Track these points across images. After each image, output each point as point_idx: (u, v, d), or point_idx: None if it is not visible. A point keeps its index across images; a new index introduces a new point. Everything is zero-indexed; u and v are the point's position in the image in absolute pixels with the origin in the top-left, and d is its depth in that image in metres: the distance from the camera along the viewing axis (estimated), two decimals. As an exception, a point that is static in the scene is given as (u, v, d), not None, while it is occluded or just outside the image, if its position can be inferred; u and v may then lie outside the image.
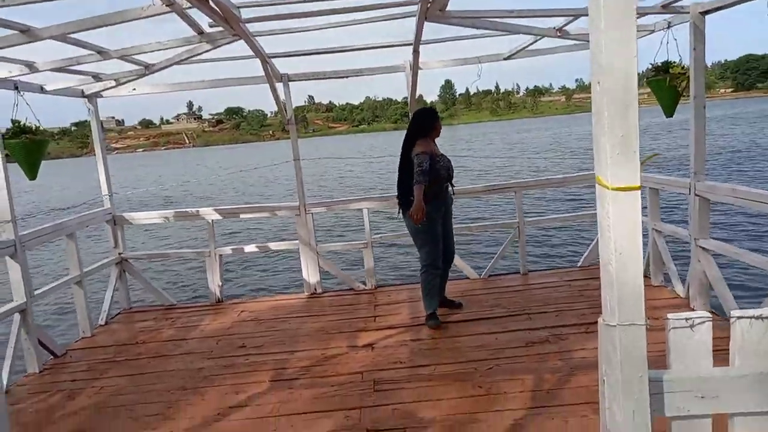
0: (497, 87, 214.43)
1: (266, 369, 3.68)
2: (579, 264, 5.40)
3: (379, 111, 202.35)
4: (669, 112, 4.11)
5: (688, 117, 4.06)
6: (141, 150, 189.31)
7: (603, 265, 1.39)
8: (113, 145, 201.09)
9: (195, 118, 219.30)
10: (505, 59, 5.19)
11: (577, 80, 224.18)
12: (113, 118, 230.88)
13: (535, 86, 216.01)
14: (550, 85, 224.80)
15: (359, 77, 5.33)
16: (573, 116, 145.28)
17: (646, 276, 4.79)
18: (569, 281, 4.96)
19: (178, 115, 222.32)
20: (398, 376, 3.39)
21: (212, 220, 5.31)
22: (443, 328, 4.16)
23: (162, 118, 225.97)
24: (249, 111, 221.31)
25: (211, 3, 2.97)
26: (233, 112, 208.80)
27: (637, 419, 1.38)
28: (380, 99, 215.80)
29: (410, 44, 4.58)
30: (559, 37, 4.45)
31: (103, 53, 3.74)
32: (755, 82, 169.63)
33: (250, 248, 5.42)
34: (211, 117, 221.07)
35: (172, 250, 5.62)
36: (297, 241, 5.33)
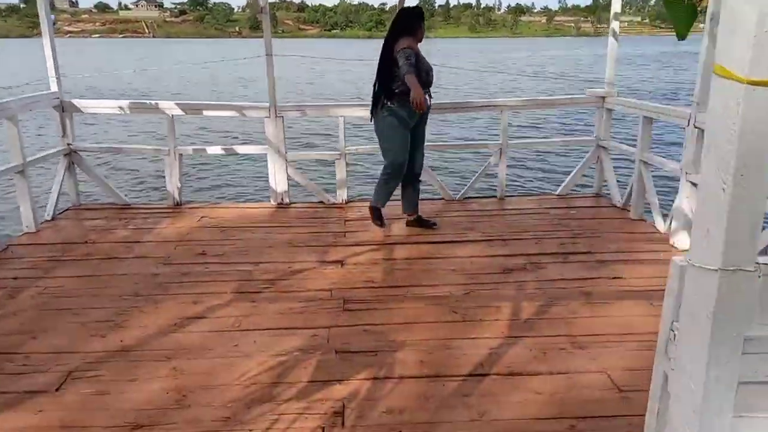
0: (478, 1, 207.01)
1: (228, 280, 3.44)
2: (557, 192, 5.23)
3: (353, 16, 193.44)
4: (683, 32, 3.79)
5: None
6: (96, 36, 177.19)
7: (705, 185, 1.08)
8: (66, 28, 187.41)
9: (156, 6, 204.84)
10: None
11: (560, 1, 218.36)
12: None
13: (517, 3, 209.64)
14: (532, 3, 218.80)
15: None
16: (552, 39, 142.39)
17: (625, 208, 4.68)
18: (548, 209, 4.81)
19: (138, 1, 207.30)
20: (369, 296, 3.21)
21: (173, 115, 4.83)
22: (412, 245, 3.98)
23: (120, 3, 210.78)
24: (215, 3, 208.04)
25: None
26: (198, 3, 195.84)
27: (720, 386, 1.12)
28: (355, 2, 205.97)
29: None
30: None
31: None
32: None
33: (213, 149, 5.01)
34: (173, 6, 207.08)
35: (128, 145, 5.14)
36: (265, 146, 4.94)
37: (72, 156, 4.83)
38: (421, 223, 4.37)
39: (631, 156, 4.59)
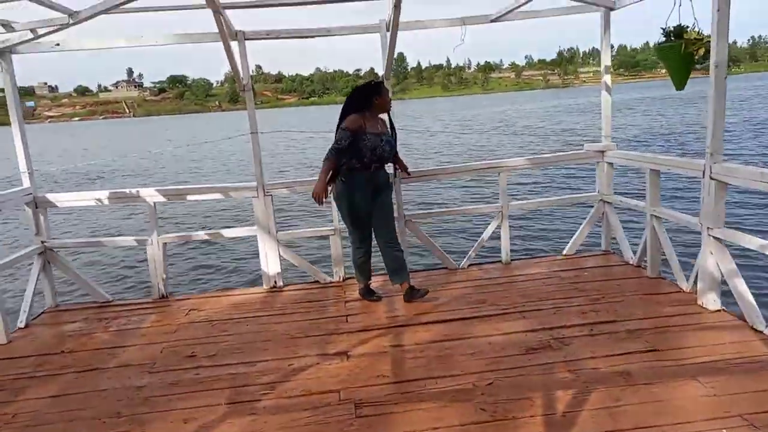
0: (448, 62, 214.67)
1: (222, 387, 3.05)
2: (564, 252, 4.98)
3: (330, 83, 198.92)
4: (681, 83, 3.66)
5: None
6: (77, 119, 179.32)
7: None
8: (46, 113, 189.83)
9: (135, 86, 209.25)
10: (492, 21, 4.62)
11: (526, 57, 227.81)
12: (45, 83, 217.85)
13: (486, 62, 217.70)
14: (501, 60, 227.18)
15: (315, 41, 4.65)
16: (522, 93, 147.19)
17: (640, 266, 4.42)
18: (557, 272, 4.53)
19: (118, 82, 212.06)
20: (383, 396, 2.85)
21: (154, 203, 4.55)
22: (421, 326, 3.65)
23: (100, 86, 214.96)
24: (193, 80, 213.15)
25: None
26: (177, 81, 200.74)
27: None
28: (331, 71, 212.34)
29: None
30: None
31: (5, -7, 2.92)
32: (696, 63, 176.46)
33: (199, 235, 4.69)
34: (152, 85, 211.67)
35: (107, 238, 4.81)
36: (255, 227, 4.66)
37: (47, 254, 4.49)
38: (412, 294, 4.09)
39: (639, 210, 4.38)
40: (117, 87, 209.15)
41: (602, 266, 4.59)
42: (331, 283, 4.72)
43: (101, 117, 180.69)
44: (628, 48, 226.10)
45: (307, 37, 4.53)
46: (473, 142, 23.97)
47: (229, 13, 4.15)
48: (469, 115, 51.56)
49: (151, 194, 4.55)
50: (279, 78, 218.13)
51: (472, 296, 4.14)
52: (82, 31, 4.23)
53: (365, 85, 4.09)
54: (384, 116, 4.14)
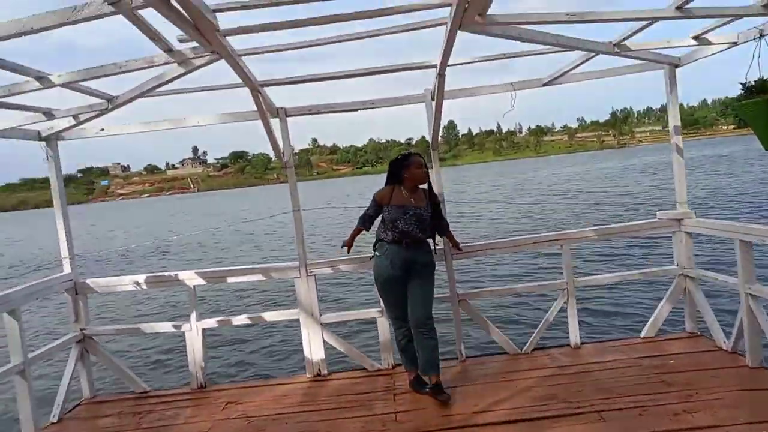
0: (499, 127, 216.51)
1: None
2: (642, 335, 4.39)
3: (383, 153, 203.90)
4: (768, 140, 3.21)
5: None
6: (146, 195, 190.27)
7: None
8: (118, 191, 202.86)
9: (200, 163, 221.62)
10: (544, 85, 4.33)
11: (578, 119, 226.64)
12: (119, 164, 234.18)
13: (537, 126, 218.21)
14: (552, 124, 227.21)
15: (369, 112, 4.49)
16: (575, 155, 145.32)
17: (736, 352, 3.79)
18: (637, 359, 3.95)
19: (183, 160, 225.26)
20: None
21: (194, 286, 4.36)
22: (480, 428, 3.15)
23: (167, 164, 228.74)
24: (254, 155, 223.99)
25: (173, 1, 2.12)
26: (238, 156, 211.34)
27: None
28: (383, 141, 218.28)
29: (432, 66, 3.74)
30: (616, 54, 3.59)
31: (42, 79, 2.88)
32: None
33: (239, 319, 4.43)
34: (216, 161, 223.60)
35: (145, 324, 4.63)
36: (297, 310, 4.36)
37: (85, 342, 4.33)
38: (436, 391, 3.65)
39: (730, 288, 3.81)
40: (183, 164, 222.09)
41: (690, 352, 3.97)
42: (379, 370, 4.30)
43: (168, 192, 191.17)
44: (686, 105, 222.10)
45: (350, 110, 4.37)
46: (528, 211, 22.56)
47: (271, 90, 4.06)
48: (521, 178, 50.84)
49: (190, 277, 4.36)
50: (334, 150, 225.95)
51: (538, 390, 3.62)
52: (128, 113, 4.27)
53: (396, 158, 3.93)
54: (425, 186, 3.87)
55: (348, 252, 4.07)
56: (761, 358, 3.57)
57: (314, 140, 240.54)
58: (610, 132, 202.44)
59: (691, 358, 3.86)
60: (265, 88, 3.90)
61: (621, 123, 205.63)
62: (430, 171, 3.91)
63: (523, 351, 4.35)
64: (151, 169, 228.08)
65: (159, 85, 3.12)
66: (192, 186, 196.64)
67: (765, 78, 3.22)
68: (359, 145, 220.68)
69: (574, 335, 4.33)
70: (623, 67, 4.32)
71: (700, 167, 37.56)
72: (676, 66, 4.11)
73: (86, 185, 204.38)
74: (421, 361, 3.73)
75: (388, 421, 3.42)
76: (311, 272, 4.34)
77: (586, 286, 4.57)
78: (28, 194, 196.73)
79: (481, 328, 4.44)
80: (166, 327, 4.48)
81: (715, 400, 3.18)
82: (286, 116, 4.28)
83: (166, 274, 4.45)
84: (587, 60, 3.97)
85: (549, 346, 4.49)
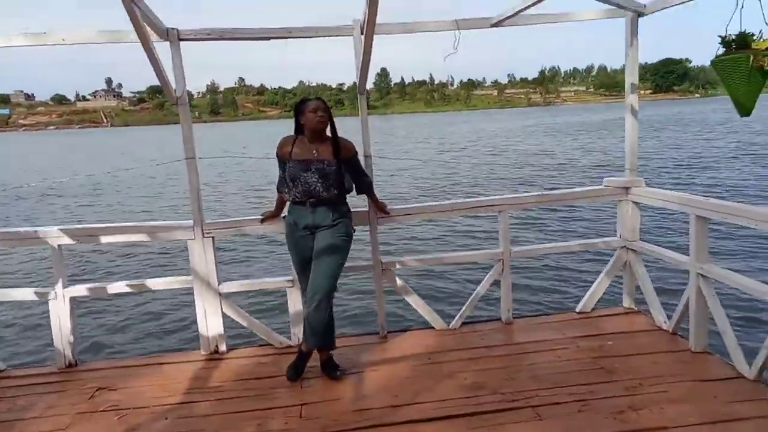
0: (431, 78, 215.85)
1: None
2: (578, 309, 4.06)
3: (312, 96, 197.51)
4: (747, 105, 2.78)
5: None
6: (52, 127, 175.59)
7: None
8: (21, 121, 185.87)
9: (114, 96, 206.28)
10: (493, 26, 3.72)
11: (509, 75, 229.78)
12: (22, 91, 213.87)
13: (469, 79, 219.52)
14: (483, 79, 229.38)
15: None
16: (505, 110, 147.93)
17: (677, 333, 3.52)
18: (573, 338, 3.60)
19: (96, 91, 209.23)
20: None
21: (59, 245, 3.53)
22: (398, 427, 2.68)
23: (78, 94, 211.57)
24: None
25: None
26: (156, 91, 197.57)
27: None
28: (314, 84, 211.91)
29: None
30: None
31: None
32: (672, 85, 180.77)
33: (116, 287, 3.66)
34: (132, 95, 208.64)
35: (-1, 289, 3.74)
36: (190, 277, 3.66)
37: None
38: (328, 368, 3.32)
39: (674, 265, 3.49)
40: (95, 96, 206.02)
41: (629, 332, 3.67)
42: (288, 348, 3.72)
43: (78, 126, 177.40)
44: (608, 69, 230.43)
45: (259, 38, 3.57)
46: (458, 168, 21.12)
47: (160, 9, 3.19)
48: (450, 131, 50.79)
49: (55, 235, 3.52)
50: (261, 90, 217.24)
51: (467, 376, 3.18)
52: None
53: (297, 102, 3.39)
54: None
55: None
56: (705, 343, 3.30)
57: (241, 79, 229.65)
58: (538, 89, 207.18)
59: (629, 340, 3.55)
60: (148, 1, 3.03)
61: (548, 81, 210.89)
62: (334, 117, 3.27)
63: (450, 326, 3.91)
64: (59, 99, 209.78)
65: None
66: (105, 120, 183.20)
67: (747, 32, 2.77)
68: (288, 87, 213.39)
69: (507, 309, 3.92)
70: (580, 11, 3.78)
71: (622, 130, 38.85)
72: (640, 15, 3.62)
73: None
74: (307, 331, 3.22)
75: (290, 417, 2.87)
76: (208, 233, 3.62)
77: (522, 257, 4.15)
78: None
79: (406, 301, 3.94)
80: (25, 294, 3.64)
81: (661, 393, 2.85)
82: (179, 40, 3.42)
83: (23, 230, 3.58)
84: (535, 3, 3.39)
85: (478, 321, 4.08)
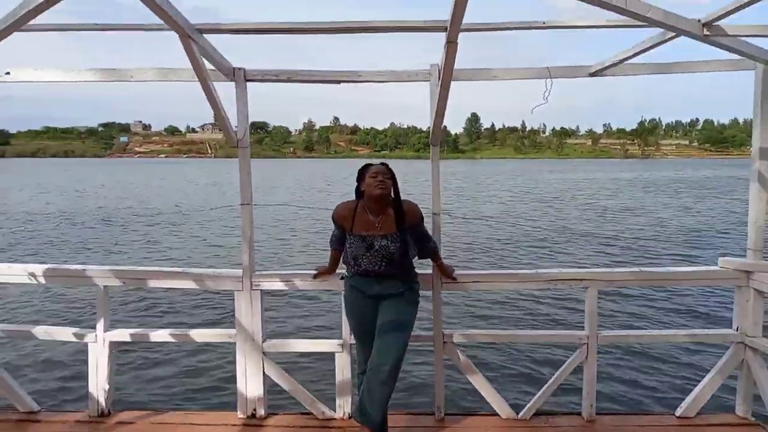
0: (523, 125, 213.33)
1: None
2: (678, 413, 3.34)
3: (403, 138, 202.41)
4: None
5: None
6: (162, 155, 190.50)
7: None
8: (137, 149, 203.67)
9: (220, 129, 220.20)
10: (591, 75, 3.25)
11: (604, 125, 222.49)
12: (140, 122, 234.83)
13: (561, 127, 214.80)
14: (577, 127, 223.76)
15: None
16: (599, 160, 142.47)
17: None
18: (673, 453, 2.92)
19: (204, 124, 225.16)
20: None
21: (105, 287, 3.39)
22: None
23: (188, 126, 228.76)
24: (274, 126, 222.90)
25: None
26: (258, 127, 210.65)
27: None
28: (405, 126, 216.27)
29: (440, 29, 2.69)
30: (705, 38, 2.50)
31: None
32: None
33: (159, 335, 3.45)
34: (236, 129, 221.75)
35: (39, 326, 3.65)
36: (234, 331, 3.38)
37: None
38: None
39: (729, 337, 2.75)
40: (203, 129, 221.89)
41: (745, 451, 2.93)
42: (331, 420, 3.32)
43: (185, 155, 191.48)
44: (715, 123, 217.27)
45: (327, 82, 3.33)
46: (541, 222, 19.13)
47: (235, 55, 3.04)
48: (540, 179, 49.14)
49: (102, 275, 3.38)
50: (354, 130, 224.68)
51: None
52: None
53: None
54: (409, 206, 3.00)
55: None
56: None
57: (336, 118, 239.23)
58: (635, 141, 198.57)
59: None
60: (212, 39, 2.87)
61: (648, 133, 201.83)
62: (397, 181, 2.95)
63: (520, 416, 3.34)
64: (172, 131, 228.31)
65: (27, 17, 2.09)
66: (210, 151, 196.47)
67: None
68: (380, 128, 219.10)
69: (589, 404, 3.30)
70: (698, 62, 3.23)
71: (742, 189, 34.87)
72: (773, 65, 3.01)
73: (105, 140, 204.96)
74: (361, 404, 2.79)
75: None
76: (257, 285, 3.34)
77: (612, 342, 3.50)
78: (49, 143, 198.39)
79: (469, 380, 3.42)
80: (65, 334, 3.51)
81: None
82: (245, 80, 3.25)
83: (70, 267, 3.48)
84: (643, 51, 2.90)
85: (554, 413, 3.47)
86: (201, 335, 3.46)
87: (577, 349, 3.31)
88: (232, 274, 3.38)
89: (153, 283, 3.42)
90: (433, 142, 3.27)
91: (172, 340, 3.47)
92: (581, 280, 3.28)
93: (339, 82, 3.36)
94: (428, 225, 3.12)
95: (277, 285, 3.38)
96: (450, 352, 3.36)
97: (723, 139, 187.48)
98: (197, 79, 2.90)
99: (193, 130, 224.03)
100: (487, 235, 15.45)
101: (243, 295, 3.35)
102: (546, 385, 3.36)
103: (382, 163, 2.99)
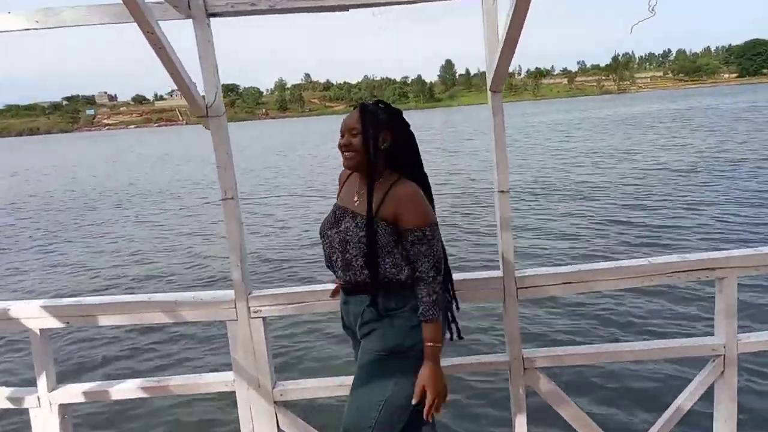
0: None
1: None
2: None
3: (377, 91, 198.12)
4: None
5: None
6: (132, 126, 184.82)
7: None
8: (105, 121, 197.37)
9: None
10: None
11: (579, 63, 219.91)
12: (105, 93, 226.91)
13: (536, 68, 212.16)
14: (552, 66, 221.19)
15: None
16: (576, 99, 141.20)
17: None
18: None
19: (173, 91, 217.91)
20: None
21: (41, 330, 2.38)
22: None
23: (156, 94, 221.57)
24: (245, 88, 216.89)
25: None
26: (228, 89, 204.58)
27: None
28: (378, 78, 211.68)
29: None
30: None
31: None
32: (760, 67, 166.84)
33: (123, 390, 2.47)
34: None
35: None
36: (231, 376, 2.42)
37: None
38: None
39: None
40: (172, 96, 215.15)
41: None
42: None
43: (155, 124, 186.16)
44: (688, 52, 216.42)
45: (333, 9, 2.25)
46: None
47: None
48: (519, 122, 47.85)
49: (35, 314, 2.36)
50: (327, 86, 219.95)
51: None
52: None
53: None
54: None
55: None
56: None
57: (307, 75, 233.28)
58: (611, 77, 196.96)
59: None
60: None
61: (622, 68, 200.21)
62: (382, 135, 1.88)
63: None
64: (140, 100, 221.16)
65: None
66: (181, 118, 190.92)
67: None
68: (353, 82, 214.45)
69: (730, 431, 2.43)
70: None
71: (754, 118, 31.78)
72: None
73: (71, 114, 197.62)
74: None
75: None
76: (257, 311, 2.36)
77: (757, 351, 2.56)
78: (12, 121, 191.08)
79: (557, 412, 2.51)
80: (-5, 400, 2.50)
81: None
82: (207, 14, 2.15)
83: (-10, 307, 2.43)
84: None
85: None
86: (185, 385, 2.48)
87: (708, 362, 2.42)
88: (220, 298, 2.38)
89: (109, 320, 2.41)
90: (494, 87, 2.24)
91: (145, 395, 2.49)
92: (713, 269, 2.34)
93: (347, 8, 2.29)
94: (467, 220, 2.12)
95: (285, 309, 2.39)
96: (532, 380, 2.44)
97: (697, 68, 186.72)
98: (131, 16, 1.81)
99: (162, 98, 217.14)
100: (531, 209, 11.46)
101: (239, 326, 2.37)
102: (665, 415, 2.47)
103: (362, 103, 1.94)
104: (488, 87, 2.23)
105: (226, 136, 2.27)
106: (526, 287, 2.35)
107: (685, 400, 2.43)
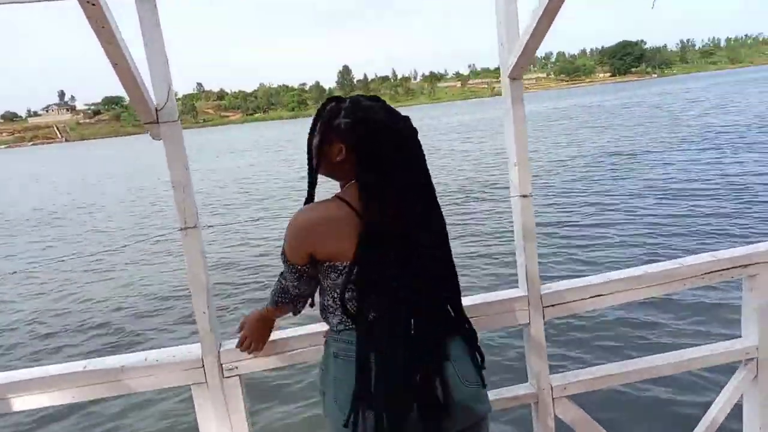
0: (394, 73, 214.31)
1: None
2: None
3: (275, 98, 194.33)
4: None
5: None
6: (4, 146, 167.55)
7: None
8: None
9: (67, 109, 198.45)
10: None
11: (469, 66, 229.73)
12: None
13: (431, 72, 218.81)
14: (445, 70, 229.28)
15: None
16: (469, 101, 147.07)
17: None
18: None
19: (48, 106, 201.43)
20: None
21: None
22: None
23: (29, 110, 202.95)
24: (130, 100, 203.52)
25: None
26: (112, 102, 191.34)
27: None
28: (275, 86, 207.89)
29: None
30: None
31: None
32: (630, 67, 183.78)
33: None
34: (87, 108, 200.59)
35: None
36: (202, 455, 1.87)
37: None
38: None
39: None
40: (48, 111, 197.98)
41: None
42: None
43: (30, 143, 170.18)
44: (566, 54, 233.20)
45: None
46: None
47: None
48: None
49: None
50: (221, 95, 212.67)
51: None
52: None
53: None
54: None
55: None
56: None
57: (199, 84, 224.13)
58: (499, 79, 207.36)
59: None
60: None
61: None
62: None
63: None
64: (10, 117, 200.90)
65: None
66: (59, 136, 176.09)
67: None
68: (249, 90, 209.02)
69: (759, 442, 2.24)
70: None
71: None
72: None
73: None
74: None
75: None
76: (231, 368, 1.84)
77: None
78: None
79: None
80: None
81: None
82: (149, -15, 1.62)
83: None
84: None
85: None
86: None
87: (739, 368, 2.22)
88: (181, 356, 1.83)
89: (27, 402, 1.77)
90: (513, 74, 1.89)
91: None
92: (746, 265, 2.14)
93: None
94: (504, 212, 1.79)
95: (267, 361, 1.89)
96: (563, 411, 2.11)
97: (576, 68, 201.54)
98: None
99: (36, 114, 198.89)
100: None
101: (210, 390, 1.83)
102: (699, 428, 2.24)
103: (330, 98, 1.55)
104: (506, 74, 1.88)
105: (182, 147, 1.73)
106: (553, 305, 2.03)
107: (719, 411, 2.22)
